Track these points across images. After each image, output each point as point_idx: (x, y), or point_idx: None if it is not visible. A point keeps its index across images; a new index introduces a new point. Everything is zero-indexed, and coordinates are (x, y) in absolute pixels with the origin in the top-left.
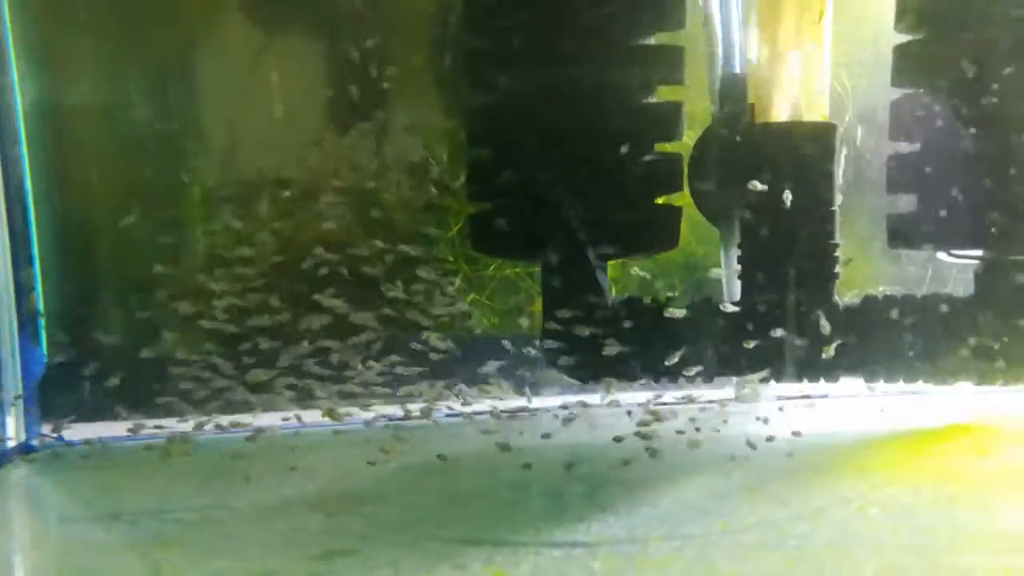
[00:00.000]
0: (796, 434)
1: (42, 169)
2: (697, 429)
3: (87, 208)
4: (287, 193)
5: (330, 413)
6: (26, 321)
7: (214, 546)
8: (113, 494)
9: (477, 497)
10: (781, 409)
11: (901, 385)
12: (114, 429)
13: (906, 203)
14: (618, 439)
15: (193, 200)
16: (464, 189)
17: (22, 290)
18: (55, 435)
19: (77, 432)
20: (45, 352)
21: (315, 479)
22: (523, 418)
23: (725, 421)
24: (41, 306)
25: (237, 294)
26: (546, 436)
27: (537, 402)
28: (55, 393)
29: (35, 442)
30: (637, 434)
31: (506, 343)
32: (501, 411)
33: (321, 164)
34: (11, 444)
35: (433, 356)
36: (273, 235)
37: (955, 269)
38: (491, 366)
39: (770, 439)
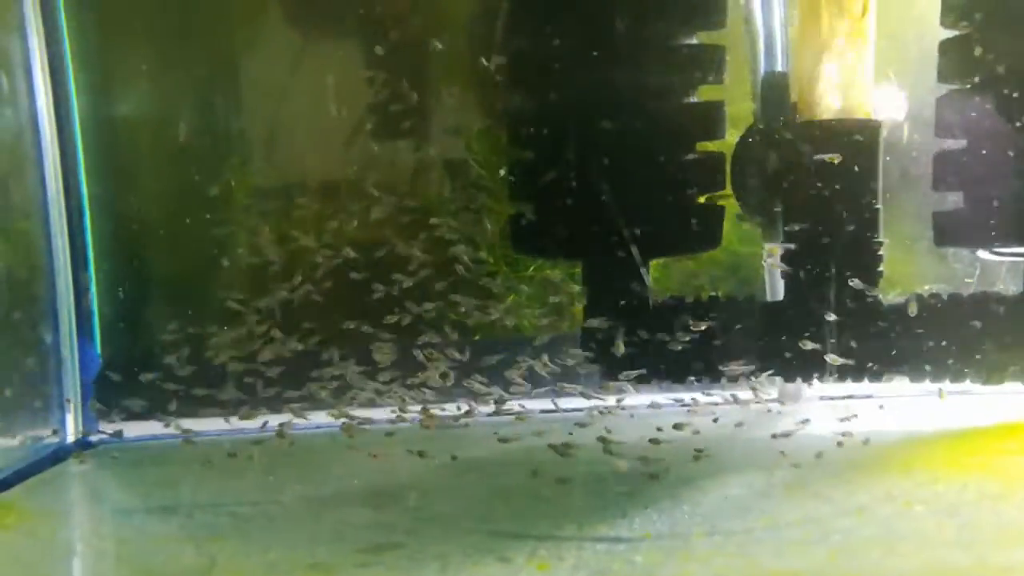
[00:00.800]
0: (844, 434)
1: (98, 177)
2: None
3: (140, 213)
4: (331, 195)
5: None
6: (83, 321)
7: (266, 539)
8: (168, 488)
9: (521, 493)
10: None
11: (948, 385)
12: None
13: (952, 201)
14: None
15: (240, 205)
16: (505, 190)
17: (80, 291)
18: (111, 433)
19: (131, 430)
20: (99, 351)
21: (362, 476)
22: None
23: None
24: (95, 307)
25: (285, 295)
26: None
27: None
28: (109, 392)
29: (93, 438)
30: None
31: None
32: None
33: (367, 167)
34: (70, 440)
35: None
36: (317, 237)
37: (1003, 267)
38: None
39: (814, 438)
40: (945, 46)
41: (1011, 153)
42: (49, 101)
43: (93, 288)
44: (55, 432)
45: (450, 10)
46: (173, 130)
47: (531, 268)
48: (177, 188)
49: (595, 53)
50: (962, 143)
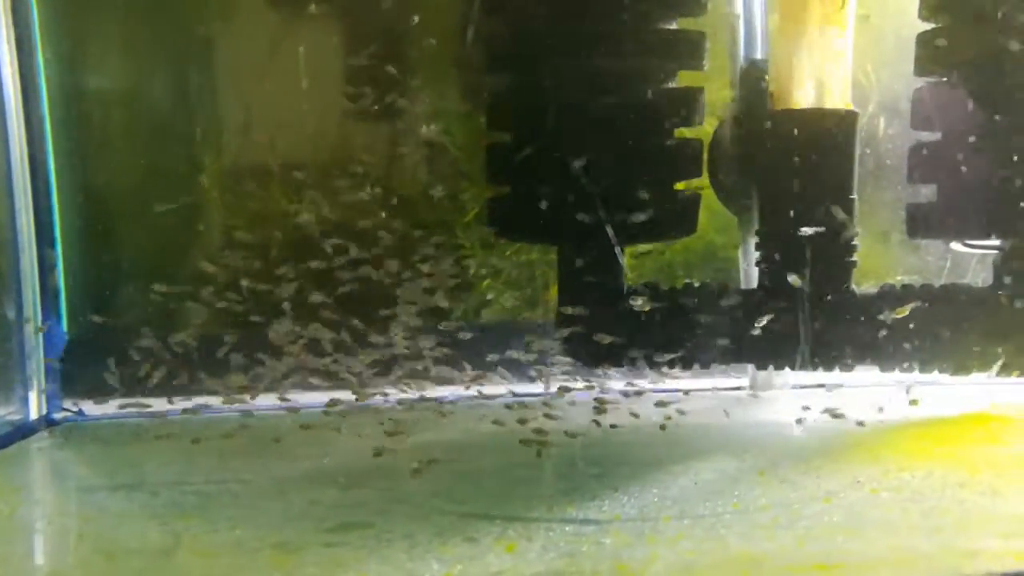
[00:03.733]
0: (799, 421)
1: (65, 151)
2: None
3: (108, 190)
4: (305, 177)
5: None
6: (48, 298)
7: (232, 517)
8: (134, 466)
9: (491, 475)
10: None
11: (917, 375)
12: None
13: (926, 192)
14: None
15: (211, 184)
16: (483, 173)
17: (45, 268)
18: (75, 410)
19: (97, 408)
20: (65, 328)
21: (331, 456)
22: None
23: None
24: (62, 284)
25: (253, 277)
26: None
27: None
28: (75, 369)
29: (57, 415)
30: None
31: None
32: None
33: (342, 148)
34: (34, 417)
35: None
36: (290, 219)
37: (974, 260)
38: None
39: (783, 424)
40: (923, 39)
41: (985, 147)
42: (15, 72)
43: (60, 265)
44: (20, 409)
45: None
46: (144, 105)
47: (508, 253)
48: (147, 164)
49: (574, 37)
50: (937, 136)
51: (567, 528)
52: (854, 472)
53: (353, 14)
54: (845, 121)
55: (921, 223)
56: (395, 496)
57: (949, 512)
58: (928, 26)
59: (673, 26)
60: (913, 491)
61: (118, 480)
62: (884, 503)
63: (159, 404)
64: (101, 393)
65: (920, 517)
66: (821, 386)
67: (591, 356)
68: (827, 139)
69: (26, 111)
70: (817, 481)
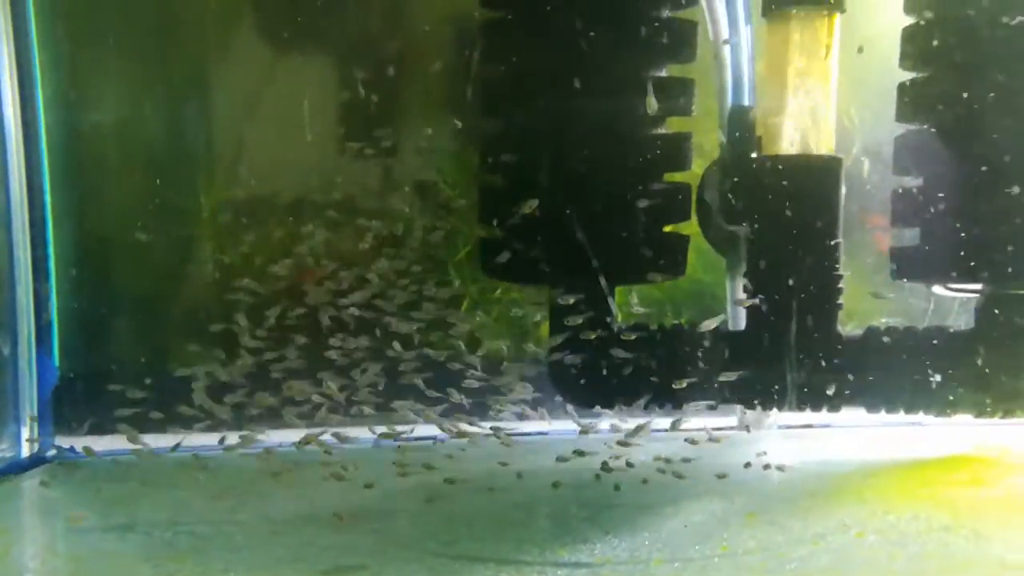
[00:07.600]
0: (789, 464)
1: (63, 187)
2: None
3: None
4: (299, 214)
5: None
6: (42, 333)
7: (226, 559)
8: (127, 505)
9: (483, 516)
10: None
11: (902, 416)
12: (126, 442)
13: (909, 236)
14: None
15: (206, 219)
16: (474, 213)
17: (40, 303)
18: (68, 447)
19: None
20: (58, 364)
21: (324, 496)
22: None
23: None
24: (55, 319)
25: (248, 311)
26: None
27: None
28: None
29: (49, 453)
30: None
31: None
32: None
33: (335, 186)
34: (25, 454)
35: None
36: (284, 255)
37: (957, 302)
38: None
39: (768, 467)
40: (903, 87)
41: (966, 192)
42: (16, 110)
43: (53, 299)
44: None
45: (423, 34)
46: (140, 141)
47: (498, 291)
48: (143, 200)
49: (566, 83)
50: (919, 181)
51: (559, 571)
52: (840, 515)
53: (349, 53)
54: (830, 166)
55: (905, 266)
56: None
57: (934, 556)
58: (909, 75)
59: (663, 73)
60: (899, 534)
61: (111, 520)
62: (870, 546)
63: (154, 442)
64: (94, 429)
65: (905, 562)
66: (807, 426)
67: (582, 397)
68: (812, 184)
69: (26, 146)
70: (804, 524)
